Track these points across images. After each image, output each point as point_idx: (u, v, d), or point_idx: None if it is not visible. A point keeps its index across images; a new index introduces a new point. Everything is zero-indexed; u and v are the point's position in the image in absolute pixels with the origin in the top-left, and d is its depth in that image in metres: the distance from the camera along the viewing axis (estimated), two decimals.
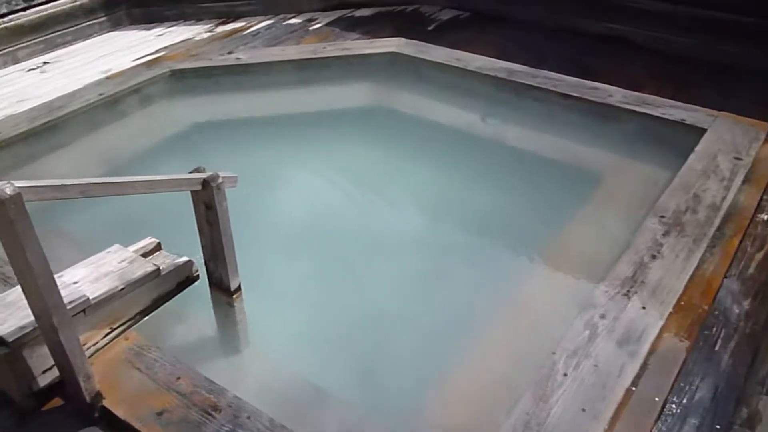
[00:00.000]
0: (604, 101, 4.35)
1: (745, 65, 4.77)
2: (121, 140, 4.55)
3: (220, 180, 2.62)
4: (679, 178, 3.53)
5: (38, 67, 5.29)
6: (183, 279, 2.90)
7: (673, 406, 2.37)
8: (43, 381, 2.42)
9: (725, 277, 2.95)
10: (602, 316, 2.69)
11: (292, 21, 6.05)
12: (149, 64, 5.13)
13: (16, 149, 4.14)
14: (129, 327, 2.70)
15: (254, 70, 5.11)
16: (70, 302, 2.41)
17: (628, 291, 2.82)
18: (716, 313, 2.76)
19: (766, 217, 3.30)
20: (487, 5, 6.00)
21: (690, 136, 3.93)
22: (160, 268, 2.77)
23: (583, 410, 2.31)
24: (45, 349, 2.33)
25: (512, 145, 4.48)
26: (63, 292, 2.42)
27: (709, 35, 4.94)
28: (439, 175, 4.30)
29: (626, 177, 3.96)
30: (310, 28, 5.85)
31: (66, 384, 2.39)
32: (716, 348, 2.60)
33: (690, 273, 2.93)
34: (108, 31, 5.99)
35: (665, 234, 3.15)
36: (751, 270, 2.99)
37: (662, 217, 3.25)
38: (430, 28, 5.82)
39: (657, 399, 2.38)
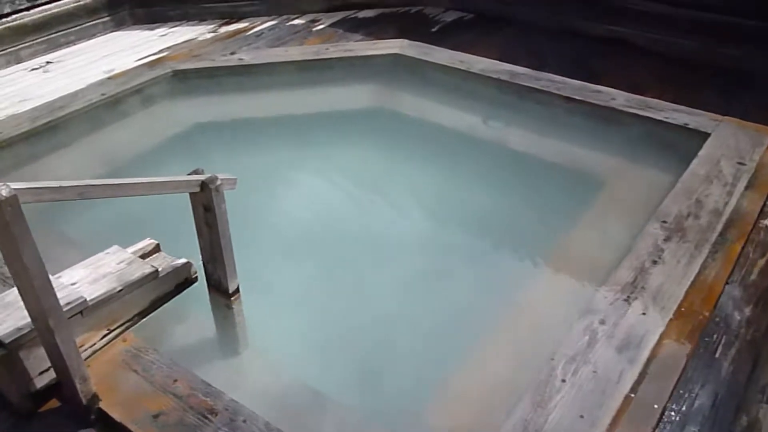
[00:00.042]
0: (606, 104, 4.33)
1: (749, 69, 4.75)
2: (122, 141, 4.55)
3: (218, 182, 2.61)
4: (682, 183, 3.51)
5: (41, 67, 5.30)
6: (181, 281, 2.90)
7: (672, 413, 2.35)
8: (40, 382, 2.41)
9: (727, 283, 2.93)
10: (602, 322, 2.67)
11: (296, 22, 6.04)
12: (152, 65, 5.13)
13: (17, 149, 4.14)
14: (127, 329, 2.70)
15: (257, 71, 5.11)
16: (68, 304, 2.41)
17: (629, 296, 2.80)
18: (717, 319, 2.74)
19: None
20: (491, 7, 5.99)
21: (693, 140, 3.91)
22: (159, 269, 2.76)
23: (582, 417, 2.29)
24: (42, 351, 2.32)
25: (514, 149, 4.46)
26: (61, 294, 2.42)
27: (712, 38, 4.92)
28: (441, 177, 4.28)
29: (628, 181, 3.94)
30: (314, 29, 5.84)
31: (62, 386, 2.38)
32: (717, 355, 2.58)
33: (691, 279, 2.91)
34: (111, 31, 6.00)
35: (667, 239, 3.13)
36: (753, 276, 2.97)
37: (664, 222, 3.23)
38: (433, 29, 5.81)
39: (656, 406, 2.36)
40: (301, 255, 3.52)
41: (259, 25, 5.99)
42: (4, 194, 1.87)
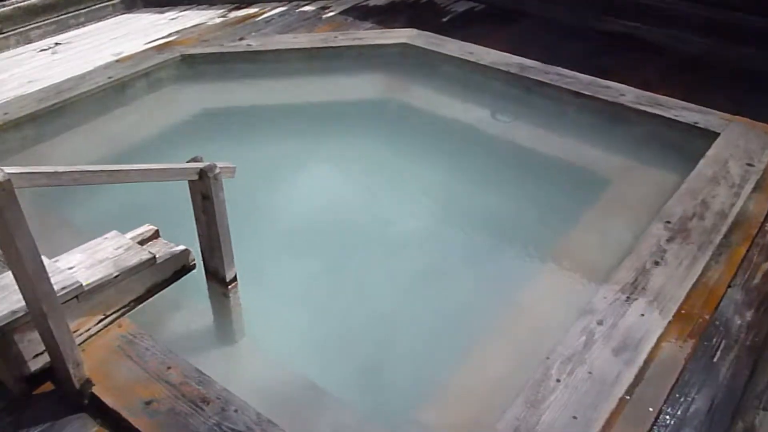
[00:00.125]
0: (615, 100, 4.28)
1: (763, 69, 4.67)
2: (128, 125, 4.54)
3: (217, 170, 2.60)
4: (688, 183, 3.46)
5: (50, 48, 5.29)
6: (179, 268, 2.89)
7: (668, 417, 2.33)
8: (35, 366, 2.42)
9: (729, 286, 2.89)
10: (600, 322, 2.64)
11: (306, 8, 6.00)
12: (160, 48, 5.11)
13: (21, 130, 4.15)
14: (123, 314, 2.70)
15: (265, 58, 5.08)
16: (63, 288, 2.41)
17: (628, 297, 2.78)
18: (717, 323, 2.71)
19: None
20: None
21: (702, 139, 3.85)
22: (156, 256, 2.76)
23: (575, 417, 2.27)
24: (37, 334, 2.33)
25: (520, 143, 4.41)
26: (57, 278, 2.44)
27: (726, 36, 4.85)
28: (446, 171, 4.25)
29: (634, 180, 3.89)
30: (323, 16, 5.80)
31: (56, 370, 2.39)
32: (715, 359, 2.55)
33: (693, 281, 2.88)
34: (121, 14, 5.98)
35: (670, 240, 3.09)
36: (756, 280, 2.93)
37: (668, 222, 3.19)
38: (444, 19, 5.76)
39: (651, 409, 2.34)
40: (302, 246, 3.51)
41: (269, 11, 5.95)
42: None
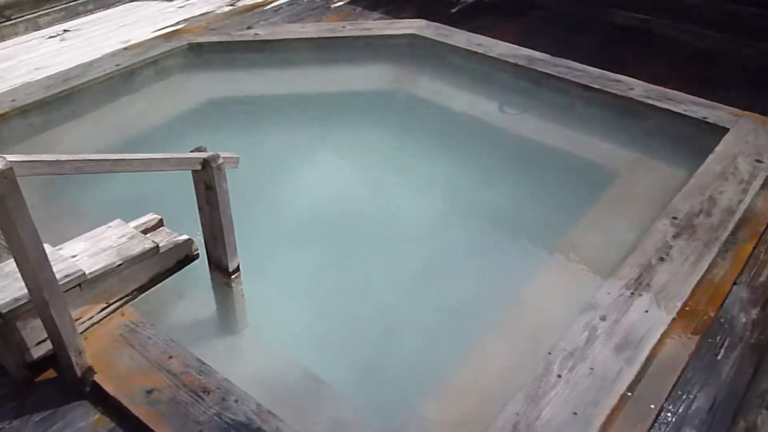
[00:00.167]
0: (624, 94, 4.23)
1: None
2: (134, 113, 4.54)
3: (220, 160, 2.59)
4: (696, 178, 3.43)
5: (58, 35, 5.29)
6: (182, 257, 2.89)
7: (669, 414, 2.31)
8: (37, 353, 2.43)
9: (735, 283, 2.87)
10: (603, 318, 2.63)
11: None
12: (168, 37, 5.10)
13: (29, 117, 4.15)
14: (125, 303, 2.71)
15: (272, 47, 5.06)
16: (66, 276, 2.42)
17: (632, 293, 2.75)
18: (722, 320, 2.69)
19: None
20: None
21: (711, 135, 3.81)
22: (160, 245, 2.76)
23: (575, 414, 2.26)
24: (39, 322, 2.34)
25: (528, 136, 4.38)
26: (60, 266, 2.45)
27: (739, 31, 4.79)
28: (453, 163, 4.23)
29: (641, 175, 3.86)
30: (332, 6, 5.77)
31: (58, 358, 2.40)
32: (718, 357, 2.53)
33: (698, 278, 2.85)
34: (130, 1, 5.97)
35: (676, 236, 3.06)
36: (762, 278, 2.90)
37: (674, 218, 3.17)
38: (453, 10, 5.72)
39: (652, 406, 2.33)
40: (306, 237, 3.51)
41: None
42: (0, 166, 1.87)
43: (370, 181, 4.11)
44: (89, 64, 4.65)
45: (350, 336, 2.94)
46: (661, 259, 2.93)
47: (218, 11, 5.67)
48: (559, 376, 2.38)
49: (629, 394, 2.36)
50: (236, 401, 2.32)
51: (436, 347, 2.92)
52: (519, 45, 4.88)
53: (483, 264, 3.41)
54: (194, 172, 2.66)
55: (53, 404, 2.37)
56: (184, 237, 2.89)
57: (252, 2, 5.87)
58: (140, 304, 2.73)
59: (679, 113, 4.03)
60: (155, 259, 2.76)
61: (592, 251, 3.34)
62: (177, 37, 5.06)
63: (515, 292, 3.14)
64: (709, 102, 4.11)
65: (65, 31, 5.37)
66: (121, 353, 2.50)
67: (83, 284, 2.50)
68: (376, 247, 3.50)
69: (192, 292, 2.93)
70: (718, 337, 2.61)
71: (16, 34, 5.26)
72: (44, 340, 2.41)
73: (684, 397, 2.38)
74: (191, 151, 2.64)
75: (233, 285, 2.96)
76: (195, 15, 5.59)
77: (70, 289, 2.44)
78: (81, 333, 2.50)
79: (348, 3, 5.82)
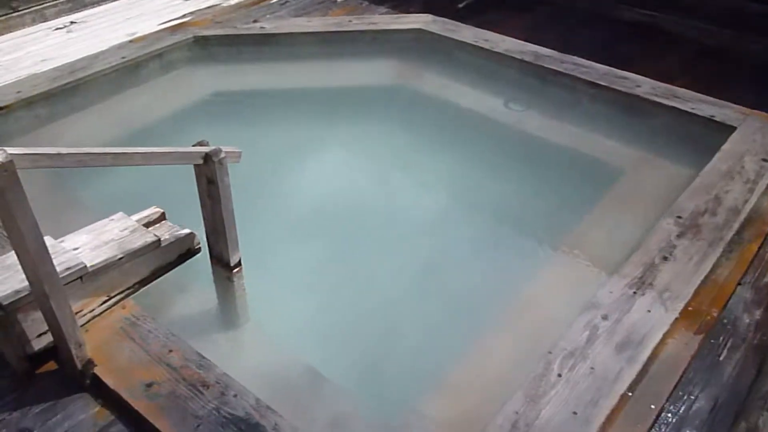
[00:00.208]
0: (631, 92, 4.20)
1: None
2: (139, 106, 4.54)
3: (222, 155, 2.59)
4: (701, 177, 3.40)
5: (65, 27, 5.30)
6: (184, 251, 2.89)
7: (669, 415, 2.30)
8: (38, 345, 2.44)
9: (739, 284, 2.85)
10: (604, 317, 2.61)
11: None
12: (174, 29, 5.10)
13: (34, 109, 4.15)
14: (127, 296, 2.71)
15: (278, 41, 5.05)
16: (67, 269, 2.43)
17: (635, 292, 2.74)
18: (725, 321, 2.67)
19: None
20: None
21: (718, 133, 3.78)
22: (161, 239, 2.76)
23: (575, 413, 2.25)
24: (40, 314, 2.34)
25: (533, 133, 4.35)
26: (61, 259, 2.46)
27: (748, 28, 4.74)
28: (457, 159, 4.21)
29: (646, 173, 3.83)
30: (338, 0, 5.75)
31: (59, 350, 2.41)
32: (721, 358, 2.52)
33: (702, 278, 2.83)
34: None
35: (680, 235, 3.04)
36: (767, 279, 2.88)
37: (679, 217, 3.14)
38: (460, 5, 5.69)
39: (653, 407, 2.31)
40: (309, 232, 3.50)
41: None
42: (0, 159, 1.87)
43: (373, 176, 4.10)
44: (95, 56, 4.65)
45: (351, 331, 2.93)
46: (665, 259, 2.91)
47: (224, 4, 5.66)
48: (560, 375, 2.37)
49: (630, 394, 2.34)
50: (235, 396, 2.32)
51: (437, 343, 2.91)
52: (525, 41, 4.86)
53: (486, 260, 3.40)
54: (196, 166, 2.66)
55: (54, 396, 2.38)
56: (186, 231, 2.88)
57: None
58: (141, 297, 2.73)
59: (686, 111, 4.00)
60: (157, 252, 2.76)
61: (595, 249, 3.32)
62: (183, 30, 5.06)
63: (517, 290, 3.12)
64: (716, 100, 4.07)
65: (72, 23, 5.37)
66: (121, 346, 2.51)
67: (84, 277, 2.50)
68: (378, 242, 3.49)
69: (193, 286, 2.93)
70: (721, 338, 2.60)
71: (23, 26, 5.27)
72: (45, 332, 2.42)
73: (685, 397, 2.36)
74: (193, 146, 2.63)
75: (235, 279, 2.96)
76: (201, 8, 5.57)
77: (71, 281, 2.44)
78: (82, 326, 2.51)
79: None
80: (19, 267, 2.30)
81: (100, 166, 2.25)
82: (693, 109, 4.00)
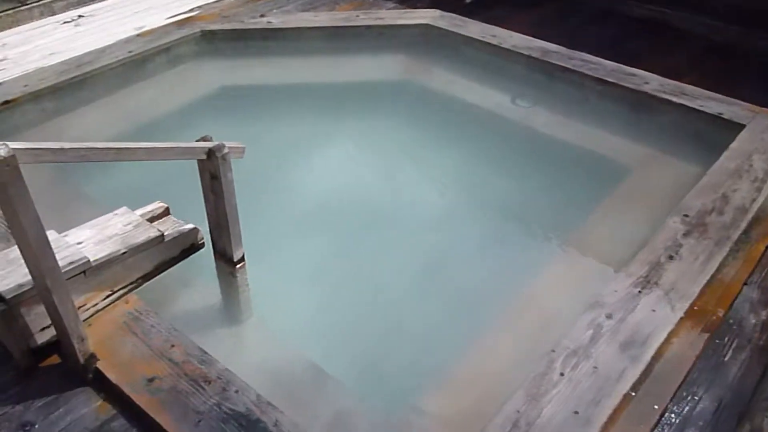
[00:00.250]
0: (639, 88, 4.17)
1: None
2: (146, 100, 4.55)
3: (225, 150, 2.58)
4: (709, 176, 3.37)
5: (73, 20, 5.30)
6: (188, 246, 2.89)
7: (672, 415, 2.28)
8: (41, 338, 2.45)
9: (745, 284, 2.82)
10: (608, 316, 2.60)
11: None
12: (181, 24, 5.10)
13: (41, 103, 4.16)
14: (130, 291, 2.71)
15: (285, 36, 5.04)
16: (70, 264, 2.43)
17: (640, 291, 2.72)
18: (731, 321, 2.65)
19: None
20: None
21: (726, 131, 3.74)
22: (165, 234, 2.76)
23: (576, 413, 2.24)
24: (43, 308, 2.35)
25: (540, 130, 4.33)
26: (65, 253, 2.46)
27: (758, 24, 4.69)
28: (463, 155, 4.20)
29: (654, 171, 3.80)
30: None
31: (61, 344, 2.41)
32: (726, 358, 2.50)
33: (708, 277, 2.81)
34: None
35: (686, 234, 3.01)
36: None
37: (685, 216, 3.12)
38: (468, 0, 5.65)
39: (656, 407, 2.29)
40: (313, 227, 3.50)
41: None
42: (2, 154, 1.86)
43: (379, 172, 4.09)
44: (102, 50, 4.65)
45: (354, 328, 2.93)
46: (671, 258, 2.89)
47: None
48: (562, 374, 2.36)
49: (633, 393, 2.33)
50: (237, 392, 2.32)
51: (440, 340, 2.90)
52: (533, 36, 4.83)
53: (491, 257, 3.39)
54: (199, 161, 2.66)
55: (56, 390, 2.38)
56: (190, 226, 2.88)
57: None
58: (145, 292, 2.73)
59: (695, 108, 3.96)
60: (160, 247, 2.77)
61: (601, 247, 3.30)
62: (190, 24, 5.06)
63: (521, 287, 3.11)
64: (725, 97, 4.04)
65: (80, 16, 5.38)
66: (124, 341, 2.51)
67: (88, 271, 2.50)
68: (383, 238, 3.48)
69: (196, 281, 2.93)
70: (726, 338, 2.57)
71: (32, 19, 5.28)
72: (48, 326, 2.43)
73: (689, 398, 2.35)
74: (196, 141, 2.63)
75: (238, 275, 2.96)
76: (208, 2, 5.57)
77: (74, 276, 2.45)
78: (85, 320, 2.52)
79: None
80: (22, 261, 2.31)
81: (102, 161, 2.25)
82: (701, 106, 3.97)
